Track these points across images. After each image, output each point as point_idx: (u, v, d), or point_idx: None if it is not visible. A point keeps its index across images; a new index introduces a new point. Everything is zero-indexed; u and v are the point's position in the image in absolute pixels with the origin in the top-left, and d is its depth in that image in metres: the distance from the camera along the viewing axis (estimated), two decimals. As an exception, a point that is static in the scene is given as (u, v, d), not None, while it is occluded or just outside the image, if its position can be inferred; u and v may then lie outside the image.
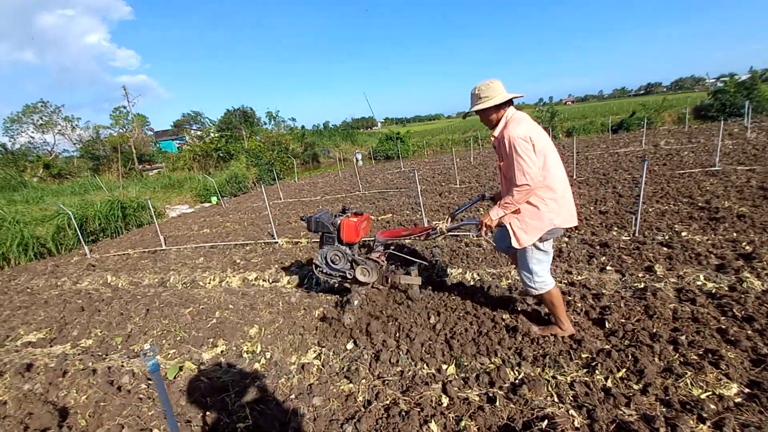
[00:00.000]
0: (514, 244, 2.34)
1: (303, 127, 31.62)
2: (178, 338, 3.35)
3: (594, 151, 11.66)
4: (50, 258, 7.85)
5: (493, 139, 2.38)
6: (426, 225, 3.20)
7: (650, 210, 5.14)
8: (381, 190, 9.81)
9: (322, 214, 3.28)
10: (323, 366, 2.66)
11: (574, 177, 7.93)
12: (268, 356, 2.89)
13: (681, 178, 6.70)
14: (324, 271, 3.32)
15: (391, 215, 6.83)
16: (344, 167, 23.11)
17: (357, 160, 28.76)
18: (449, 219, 2.81)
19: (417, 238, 3.28)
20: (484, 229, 2.39)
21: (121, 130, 27.32)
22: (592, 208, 5.62)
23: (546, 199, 2.24)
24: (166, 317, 3.71)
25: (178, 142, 37.14)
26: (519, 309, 2.95)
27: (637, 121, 23.59)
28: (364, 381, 2.44)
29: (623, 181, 7.00)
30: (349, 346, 2.88)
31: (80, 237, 7.67)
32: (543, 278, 2.41)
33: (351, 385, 2.42)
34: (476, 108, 2.34)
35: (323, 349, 2.87)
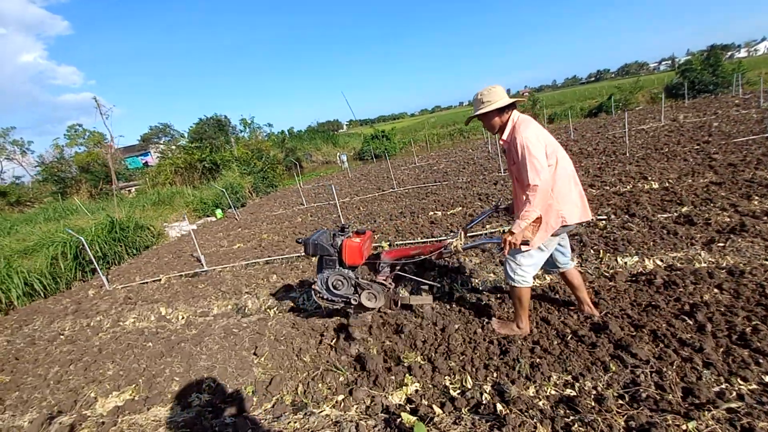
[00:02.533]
0: (529, 245, 2.30)
1: (283, 132, 30.22)
2: (341, 378, 2.59)
3: (614, 130, 11.55)
4: (57, 294, 6.67)
5: (502, 143, 2.40)
6: (438, 243, 2.94)
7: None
8: (417, 186, 9.15)
9: (320, 235, 2.98)
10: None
11: (628, 154, 7.62)
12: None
13: (748, 145, 6.51)
14: (325, 297, 3.02)
15: (460, 208, 6.22)
16: (334, 170, 22.27)
17: (342, 162, 27.90)
18: (462, 234, 2.75)
19: (428, 258, 2.94)
20: (508, 248, 2.27)
21: (85, 149, 25.06)
22: (700, 180, 5.20)
23: (556, 194, 2.26)
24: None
25: (142, 157, 34.75)
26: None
27: (615, 103, 24.29)
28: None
29: (693, 152, 6.74)
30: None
31: (96, 265, 6.53)
32: (525, 273, 2.43)
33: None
34: (479, 112, 2.36)
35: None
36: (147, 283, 5.97)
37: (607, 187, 5.67)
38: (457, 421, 2.03)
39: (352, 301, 2.98)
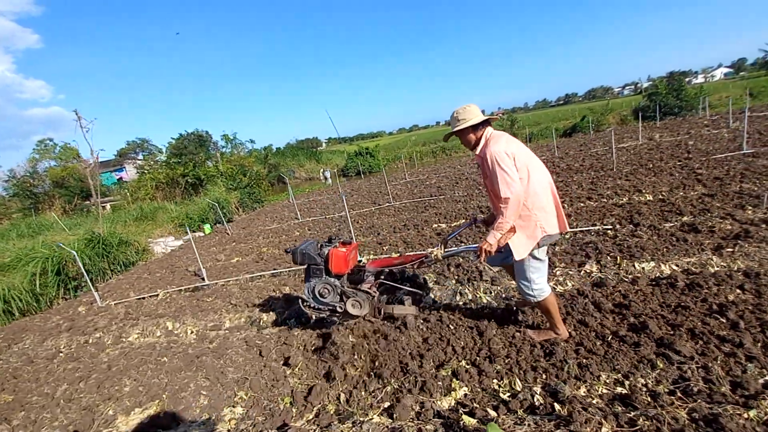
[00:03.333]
0: (516, 257, 2.41)
1: (266, 148, 29.97)
2: (387, 387, 2.55)
3: (595, 149, 12.09)
4: (43, 312, 6.30)
5: (476, 158, 2.56)
6: (419, 253, 3.15)
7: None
8: (414, 200, 9.24)
9: (308, 245, 3.11)
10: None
11: (615, 170, 7.99)
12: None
13: (728, 161, 6.95)
14: (311, 305, 3.13)
15: (464, 220, 6.32)
16: (319, 186, 22.21)
17: (326, 179, 27.87)
18: (442, 245, 2.86)
19: (410, 267, 3.13)
20: (484, 255, 2.42)
21: (56, 164, 24.04)
22: (691, 192, 5.50)
23: (533, 208, 2.34)
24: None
25: (116, 173, 33.63)
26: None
27: (588, 124, 25.49)
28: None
29: (678, 168, 7.13)
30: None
31: (88, 281, 6.22)
32: (540, 286, 2.50)
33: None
34: (455, 129, 2.51)
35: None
36: (144, 298, 5.72)
37: (604, 200, 5.91)
38: (518, 422, 2.04)
39: (338, 309, 3.07)
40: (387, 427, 2.21)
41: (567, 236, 4.63)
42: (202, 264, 5.91)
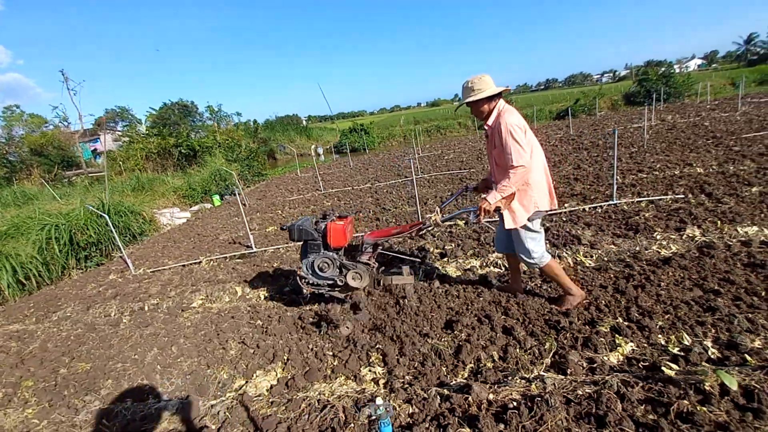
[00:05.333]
0: (509, 225, 2.55)
1: (255, 121, 28.85)
2: (546, 344, 2.44)
3: (608, 128, 12.20)
4: (61, 282, 5.87)
5: (487, 128, 2.58)
6: (417, 221, 3.15)
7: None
8: (442, 172, 9.06)
9: (304, 221, 3.14)
10: None
11: (645, 147, 8.06)
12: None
13: (760, 140, 7.11)
14: (310, 281, 3.10)
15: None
16: (312, 163, 21.67)
17: (318, 155, 27.24)
18: (439, 211, 2.86)
19: (408, 236, 3.20)
20: (483, 214, 2.49)
21: (23, 131, 22.34)
22: (742, 167, 5.57)
23: (532, 183, 2.48)
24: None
25: (91, 144, 31.69)
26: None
27: (581, 107, 25.85)
28: None
29: (711, 145, 7.24)
30: None
31: (121, 247, 5.76)
32: (539, 253, 2.62)
33: None
34: (470, 99, 2.49)
35: None
36: (185, 266, 5.38)
37: (656, 172, 5.94)
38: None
39: (338, 282, 3.07)
40: (573, 380, 2.10)
41: (643, 203, 4.61)
42: (234, 232, 5.59)
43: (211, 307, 3.80)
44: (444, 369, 2.41)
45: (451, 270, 3.75)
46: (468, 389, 2.09)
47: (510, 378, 2.21)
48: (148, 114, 26.06)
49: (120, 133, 25.99)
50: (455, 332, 2.68)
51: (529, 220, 2.53)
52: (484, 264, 3.76)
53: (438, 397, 2.09)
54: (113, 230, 5.72)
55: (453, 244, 4.26)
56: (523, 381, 2.17)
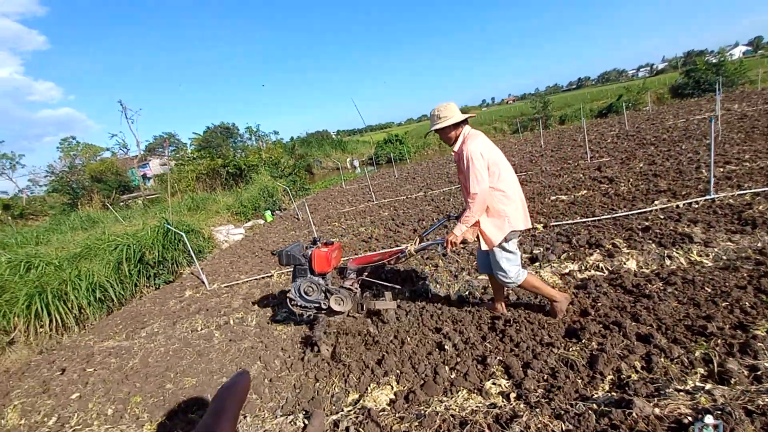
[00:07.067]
0: (483, 246, 2.61)
1: (292, 138, 29.66)
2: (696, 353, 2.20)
3: (668, 122, 11.54)
4: (134, 300, 6.08)
5: (453, 154, 2.64)
6: (395, 249, 3.34)
7: None
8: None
9: (292, 247, 3.32)
10: None
11: (720, 138, 7.49)
12: None
13: None
14: (298, 303, 3.28)
15: (585, 191, 5.92)
16: (353, 176, 21.86)
17: (355, 167, 27.56)
18: (418, 240, 3.02)
19: (389, 262, 3.20)
20: (450, 246, 2.60)
21: (81, 162, 23.96)
22: None
23: (504, 204, 2.51)
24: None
25: (141, 169, 33.62)
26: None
27: (624, 103, 24.77)
28: None
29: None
30: None
31: (196, 264, 5.96)
32: (514, 273, 2.64)
33: None
34: (436, 127, 2.58)
35: None
36: (259, 279, 5.44)
37: (746, 163, 5.47)
38: None
39: (323, 306, 3.23)
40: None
41: (747, 196, 4.23)
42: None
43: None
44: (579, 381, 2.22)
45: (547, 275, 3.54)
46: (626, 404, 1.90)
47: (665, 391, 1.99)
48: (192, 138, 27.42)
49: (168, 158, 27.40)
50: (582, 341, 2.48)
51: (505, 240, 2.54)
52: (583, 268, 3.53)
53: (592, 412, 1.90)
54: (189, 248, 5.89)
55: (541, 248, 4.05)
56: (682, 393, 1.95)
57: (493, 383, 2.36)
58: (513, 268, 2.64)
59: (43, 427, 2.95)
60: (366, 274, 3.45)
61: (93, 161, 26.60)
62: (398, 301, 3.52)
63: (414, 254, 2.98)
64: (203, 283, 5.78)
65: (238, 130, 27.29)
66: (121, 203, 19.05)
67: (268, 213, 11.31)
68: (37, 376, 3.82)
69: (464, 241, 2.58)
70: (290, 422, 2.38)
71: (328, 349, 3.01)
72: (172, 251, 8.25)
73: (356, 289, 3.35)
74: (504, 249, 2.59)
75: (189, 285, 6.06)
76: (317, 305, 3.25)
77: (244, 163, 17.02)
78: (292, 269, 3.35)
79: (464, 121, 2.58)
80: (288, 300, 3.30)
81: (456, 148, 2.58)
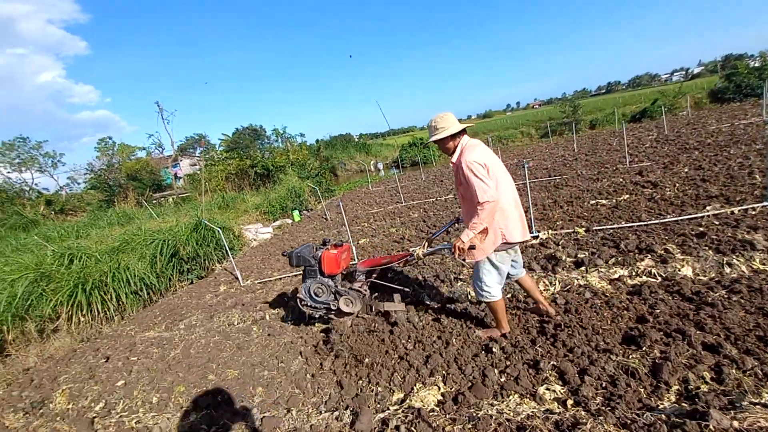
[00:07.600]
0: (470, 258, 2.53)
1: (318, 141, 30.04)
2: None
3: (711, 126, 11.04)
4: (168, 294, 6.24)
5: (452, 165, 2.60)
6: (404, 252, 3.35)
7: None
8: (532, 180, 8.64)
9: (303, 249, 3.37)
10: None
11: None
12: None
13: None
14: (308, 304, 3.32)
15: (627, 195, 5.70)
16: (377, 178, 21.91)
17: (378, 170, 27.63)
18: (426, 244, 3.00)
19: (397, 265, 3.24)
20: (458, 252, 2.48)
21: (117, 161, 24.94)
22: None
23: (497, 216, 2.45)
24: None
25: (172, 169, 34.74)
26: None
27: (658, 108, 23.85)
28: None
29: None
30: None
31: (231, 260, 6.06)
32: (490, 289, 2.62)
33: None
34: (434, 138, 2.57)
35: None
36: (290, 277, 5.48)
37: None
38: None
39: (332, 307, 3.26)
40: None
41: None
42: (353, 244, 5.60)
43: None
44: (642, 390, 2.11)
45: (594, 281, 3.40)
46: (700, 415, 1.78)
47: (740, 403, 1.86)
48: (221, 139, 28.15)
49: (198, 158, 28.22)
50: (643, 349, 2.35)
51: (495, 251, 2.52)
52: (634, 273, 3.37)
53: (662, 423, 1.79)
54: (225, 243, 6.00)
55: (586, 252, 3.91)
56: (759, 407, 1.82)
57: (547, 389, 2.27)
58: (491, 282, 2.61)
59: (91, 412, 3.03)
60: (374, 275, 3.49)
61: (128, 160, 27.79)
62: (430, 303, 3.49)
63: (422, 258, 2.96)
64: (237, 279, 5.88)
65: (266, 132, 27.85)
66: (154, 201, 19.73)
67: (296, 213, 11.44)
68: (83, 362, 3.94)
69: (472, 247, 2.52)
70: (336, 418, 2.36)
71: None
72: (205, 247, 8.42)
73: (365, 290, 3.38)
74: (489, 260, 2.57)
75: (223, 280, 6.18)
76: (327, 306, 3.29)
77: (272, 164, 17.32)
78: (303, 273, 3.41)
79: (462, 131, 2.56)
80: (298, 300, 3.36)
81: (454, 158, 2.56)
